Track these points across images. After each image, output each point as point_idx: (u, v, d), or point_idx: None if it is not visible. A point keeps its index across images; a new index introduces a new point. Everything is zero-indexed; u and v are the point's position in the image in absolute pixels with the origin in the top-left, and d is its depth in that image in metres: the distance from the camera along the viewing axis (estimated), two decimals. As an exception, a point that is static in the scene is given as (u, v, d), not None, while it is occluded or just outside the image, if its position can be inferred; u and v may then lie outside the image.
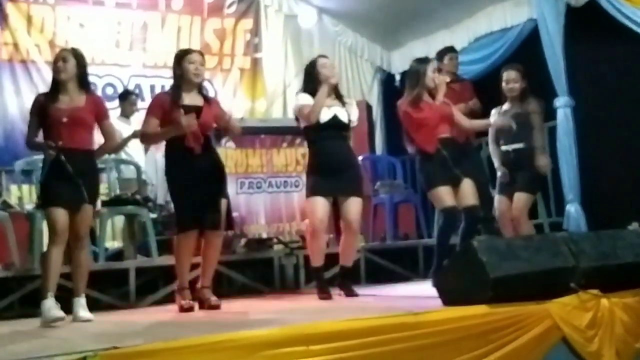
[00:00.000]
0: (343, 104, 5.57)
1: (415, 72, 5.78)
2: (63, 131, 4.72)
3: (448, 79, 5.89)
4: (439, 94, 5.72)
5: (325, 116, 5.45)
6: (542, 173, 6.11)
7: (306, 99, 5.49)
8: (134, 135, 6.99)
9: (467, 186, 5.63)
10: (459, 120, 5.85)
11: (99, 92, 8.51)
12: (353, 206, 5.46)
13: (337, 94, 5.61)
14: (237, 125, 5.49)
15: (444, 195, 5.57)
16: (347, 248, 5.62)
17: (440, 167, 5.58)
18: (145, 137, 5.36)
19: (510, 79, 6.05)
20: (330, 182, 5.39)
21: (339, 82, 5.75)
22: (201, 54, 5.38)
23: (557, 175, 7.18)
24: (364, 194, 5.93)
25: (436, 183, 5.59)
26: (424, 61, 5.83)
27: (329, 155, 5.44)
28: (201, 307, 5.10)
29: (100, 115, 4.97)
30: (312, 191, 5.44)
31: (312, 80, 5.56)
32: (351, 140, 5.74)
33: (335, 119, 5.47)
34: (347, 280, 5.63)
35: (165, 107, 5.13)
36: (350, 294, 5.49)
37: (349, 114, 5.56)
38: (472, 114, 7.08)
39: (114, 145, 5.28)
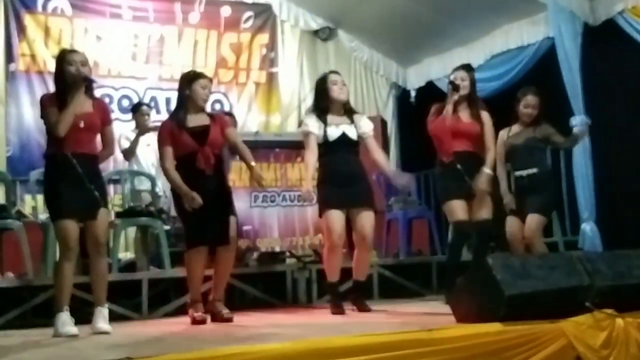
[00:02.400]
0: (352, 120, 5.59)
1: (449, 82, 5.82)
2: (75, 135, 4.62)
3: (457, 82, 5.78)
4: (448, 99, 5.69)
5: (334, 134, 5.50)
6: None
7: (311, 125, 5.54)
8: (141, 131, 7.06)
9: (481, 200, 5.63)
10: None
11: (114, 105, 8.61)
12: (366, 220, 5.48)
13: (346, 110, 5.64)
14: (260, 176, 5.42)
15: (456, 208, 5.58)
16: (361, 262, 5.63)
17: (456, 181, 5.58)
18: (166, 172, 5.16)
19: (531, 105, 5.92)
20: (342, 194, 5.41)
21: (349, 97, 5.78)
22: (210, 80, 5.40)
23: (572, 194, 7.15)
24: (377, 208, 5.94)
25: (450, 196, 5.62)
26: (453, 71, 5.84)
27: (338, 167, 5.47)
28: (213, 319, 5.09)
29: (106, 120, 4.89)
30: (326, 205, 5.45)
31: (322, 97, 5.62)
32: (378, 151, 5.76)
33: (344, 137, 5.52)
34: (360, 295, 5.62)
35: (174, 132, 5.14)
36: (363, 309, 5.48)
37: (358, 129, 5.57)
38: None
39: (113, 152, 5.16)
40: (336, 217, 5.39)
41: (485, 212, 5.64)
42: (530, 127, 5.95)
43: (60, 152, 4.62)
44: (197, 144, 5.09)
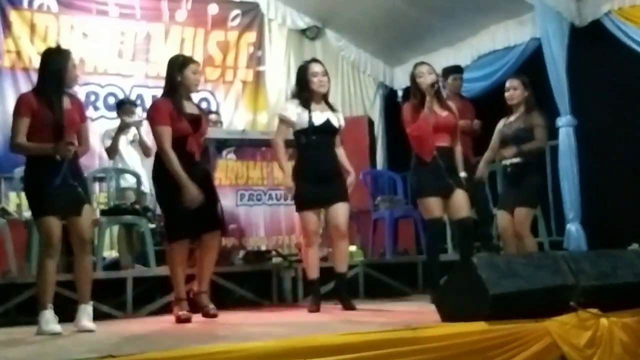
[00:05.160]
0: (333, 110, 5.65)
1: (410, 79, 5.83)
2: (60, 134, 4.59)
3: (430, 81, 5.75)
4: (426, 98, 5.64)
5: (319, 120, 5.52)
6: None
7: (291, 112, 5.55)
8: (120, 128, 7.00)
9: (460, 197, 5.62)
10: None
11: (100, 102, 8.60)
12: (340, 210, 5.50)
13: (326, 101, 5.67)
14: None
15: (432, 206, 5.59)
16: (339, 253, 5.63)
17: (433, 176, 5.58)
18: (167, 155, 5.01)
19: (511, 87, 6.02)
20: (317, 192, 5.43)
21: (329, 91, 5.75)
22: (199, 64, 5.41)
23: (558, 194, 7.17)
24: (362, 207, 5.95)
25: (427, 193, 5.62)
26: (414, 67, 5.84)
27: (315, 163, 5.48)
28: (195, 311, 5.07)
29: (83, 117, 4.89)
30: (301, 206, 5.52)
31: (303, 87, 5.62)
32: (341, 147, 5.74)
33: (327, 123, 5.55)
34: (345, 292, 5.62)
35: (173, 114, 5.08)
36: (348, 307, 5.47)
37: (339, 119, 5.65)
38: (472, 133, 7.09)
39: (88, 148, 5.12)
40: (310, 217, 5.48)
41: (465, 210, 5.65)
42: (522, 116, 5.99)
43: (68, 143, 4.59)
44: (192, 129, 5.10)
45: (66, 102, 4.72)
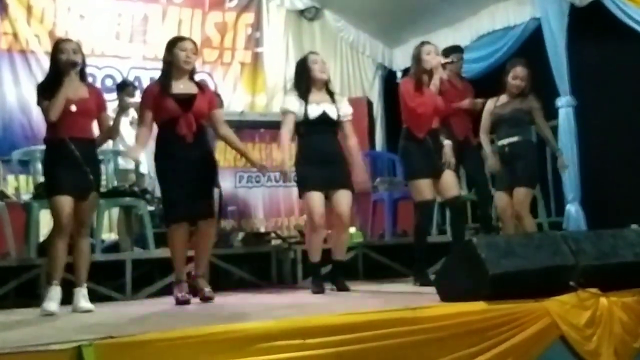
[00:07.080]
0: (333, 100, 5.57)
1: (413, 56, 5.76)
2: (70, 120, 4.74)
3: (443, 61, 5.79)
4: (434, 77, 5.65)
5: (314, 112, 5.45)
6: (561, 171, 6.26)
7: (292, 104, 5.48)
8: (122, 108, 6.96)
9: (449, 177, 5.64)
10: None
11: (98, 84, 8.55)
12: (343, 198, 5.43)
13: (328, 90, 5.61)
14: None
15: (423, 188, 5.58)
16: (339, 241, 5.60)
17: (424, 158, 5.58)
18: (136, 133, 5.30)
19: (519, 76, 5.95)
20: (321, 175, 5.36)
21: (330, 79, 5.72)
22: (193, 42, 5.32)
23: (557, 175, 7.16)
24: (365, 190, 5.92)
25: (417, 174, 5.61)
26: (420, 45, 5.79)
27: (317, 147, 5.43)
28: (194, 294, 5.06)
29: (101, 107, 5.01)
30: (306, 187, 5.40)
31: (303, 78, 5.57)
32: (354, 138, 5.68)
33: (324, 115, 5.47)
34: (341, 275, 5.61)
35: (157, 96, 5.07)
36: (342, 288, 5.47)
37: (339, 109, 5.54)
38: (472, 114, 7.06)
39: (109, 136, 5.26)
40: (316, 198, 5.35)
41: (455, 189, 5.67)
42: (517, 99, 5.97)
43: (57, 137, 4.74)
44: (181, 110, 5.02)
45: (83, 91, 4.87)
